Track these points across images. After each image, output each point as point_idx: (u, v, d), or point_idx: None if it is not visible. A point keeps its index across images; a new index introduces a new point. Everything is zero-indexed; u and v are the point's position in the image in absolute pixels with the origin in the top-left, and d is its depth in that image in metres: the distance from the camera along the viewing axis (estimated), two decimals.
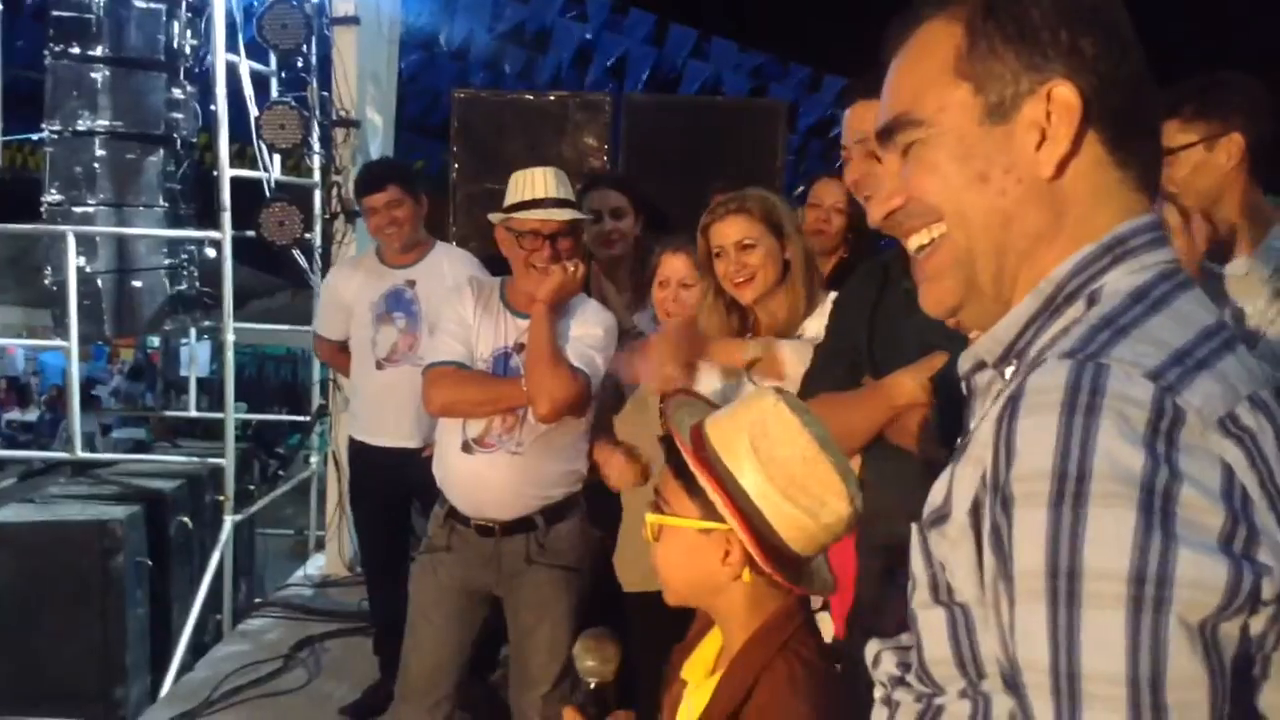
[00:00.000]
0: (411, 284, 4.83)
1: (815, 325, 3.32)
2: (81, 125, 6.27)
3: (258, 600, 6.66)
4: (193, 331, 7.33)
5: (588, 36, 12.81)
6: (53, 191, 6.29)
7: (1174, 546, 0.99)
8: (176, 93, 6.60)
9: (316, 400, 6.82)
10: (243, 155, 6.46)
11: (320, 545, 6.91)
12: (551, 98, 5.68)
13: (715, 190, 3.90)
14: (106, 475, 6.53)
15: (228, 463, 6.30)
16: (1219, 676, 1.00)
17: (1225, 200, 2.98)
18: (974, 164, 1.21)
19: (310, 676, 5.25)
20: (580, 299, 3.75)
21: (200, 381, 7.81)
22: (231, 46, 6.13)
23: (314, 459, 7.16)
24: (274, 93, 6.47)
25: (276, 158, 6.41)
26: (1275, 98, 2.94)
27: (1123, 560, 0.99)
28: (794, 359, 3.17)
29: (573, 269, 3.57)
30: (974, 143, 1.20)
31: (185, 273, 6.85)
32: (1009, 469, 1.06)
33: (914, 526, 1.26)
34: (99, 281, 6.34)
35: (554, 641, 3.69)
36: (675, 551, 1.86)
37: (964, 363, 1.31)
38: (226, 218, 6.15)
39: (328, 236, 6.41)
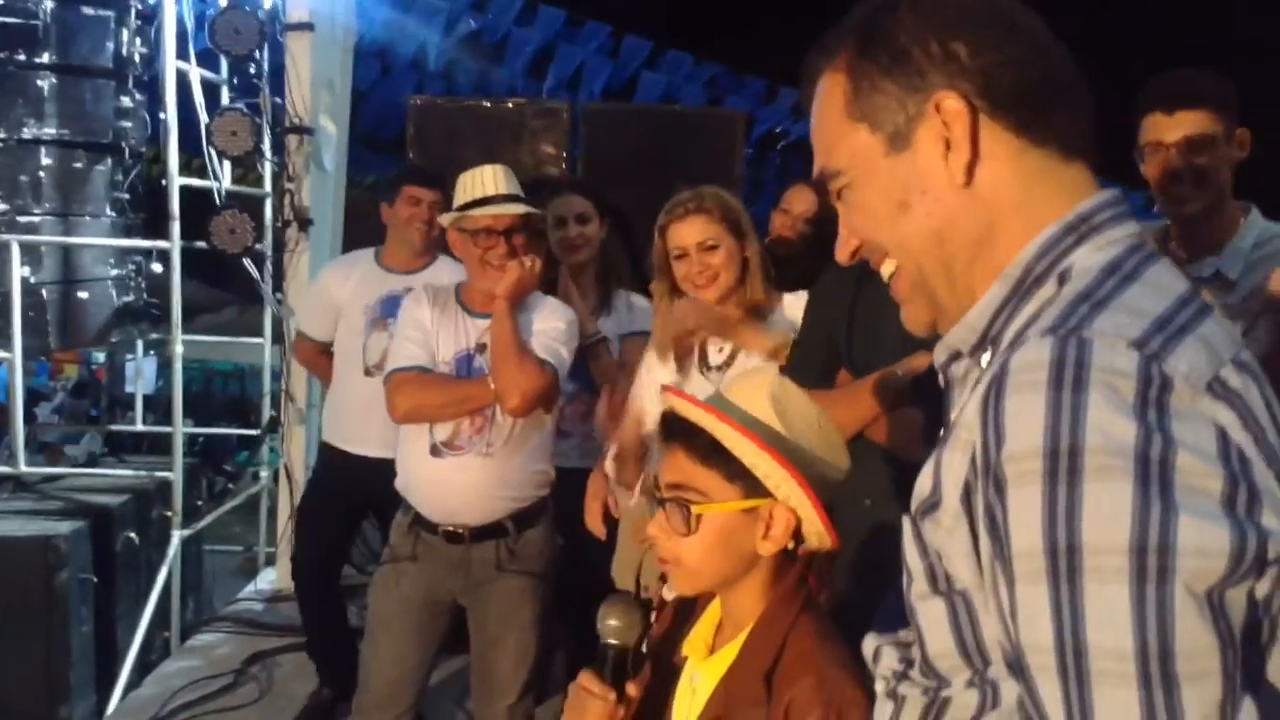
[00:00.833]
0: (410, 292, 4.72)
1: (781, 322, 3.31)
2: (27, 133, 6.13)
3: (207, 616, 6.52)
4: (139, 345, 7.19)
5: (542, 46, 12.79)
6: None
7: (1174, 514, 0.97)
8: (125, 101, 6.48)
9: (267, 413, 6.70)
10: (190, 167, 6.34)
11: (271, 561, 6.78)
12: (509, 105, 5.64)
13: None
14: (50, 490, 6.36)
15: (175, 477, 6.16)
16: (1229, 644, 0.98)
17: (1227, 195, 3.00)
18: (893, 196, 1.25)
19: (262, 692, 5.15)
20: (538, 296, 3.71)
21: (146, 398, 7.64)
22: (182, 54, 6.02)
23: (264, 474, 7.05)
24: (225, 101, 6.35)
25: (227, 166, 6.31)
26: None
27: (1123, 533, 0.97)
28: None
29: (530, 263, 3.53)
30: (887, 176, 1.25)
31: (133, 284, 6.73)
32: (999, 450, 1.04)
33: (905, 519, 1.24)
34: (44, 292, 6.19)
35: (521, 650, 3.64)
36: (713, 541, 1.84)
37: (939, 354, 1.31)
38: (175, 227, 6.02)
39: (279, 245, 6.29)
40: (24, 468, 6.26)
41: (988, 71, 1.19)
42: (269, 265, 6.33)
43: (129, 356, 8.20)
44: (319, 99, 6.18)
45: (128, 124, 6.49)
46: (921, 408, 2.61)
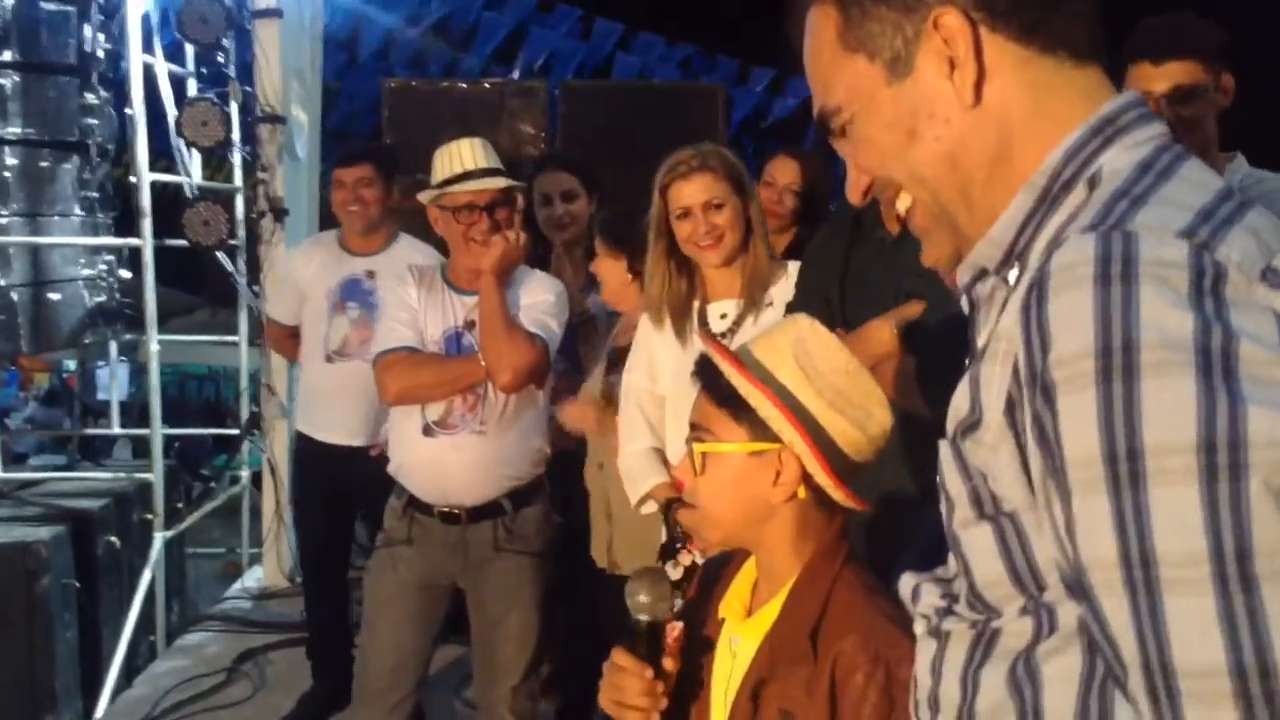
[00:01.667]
0: (371, 274, 4.63)
1: (781, 293, 3.22)
2: None
3: (194, 617, 6.40)
4: (113, 348, 7.06)
5: (513, 31, 12.64)
6: None
7: (1243, 406, 0.90)
8: (90, 98, 6.33)
9: (247, 410, 6.60)
10: (158, 167, 6.20)
11: (256, 561, 6.68)
12: (486, 85, 5.58)
13: None
14: (29, 496, 6.23)
15: (156, 478, 6.02)
16: None
17: (1213, 143, 2.94)
18: (900, 125, 1.18)
19: (255, 689, 5.05)
20: (524, 270, 3.63)
21: (120, 405, 7.50)
22: (147, 48, 5.90)
23: (244, 474, 6.93)
24: (193, 94, 6.24)
25: (197, 160, 6.19)
26: None
27: (1188, 430, 0.90)
28: None
29: (514, 237, 3.44)
30: (889, 105, 1.18)
31: (105, 284, 6.58)
32: (1045, 355, 0.97)
33: (942, 444, 1.17)
34: (14, 295, 6.06)
35: (523, 631, 3.56)
36: (722, 482, 1.78)
37: (963, 274, 1.23)
38: (147, 224, 5.89)
39: (254, 237, 6.18)
40: (1, 474, 6.14)
41: None
42: (243, 259, 6.23)
43: (100, 364, 8.07)
44: (290, 87, 6.07)
45: (94, 121, 6.34)
46: (914, 357, 2.57)
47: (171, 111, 5.97)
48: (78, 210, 6.35)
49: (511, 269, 3.51)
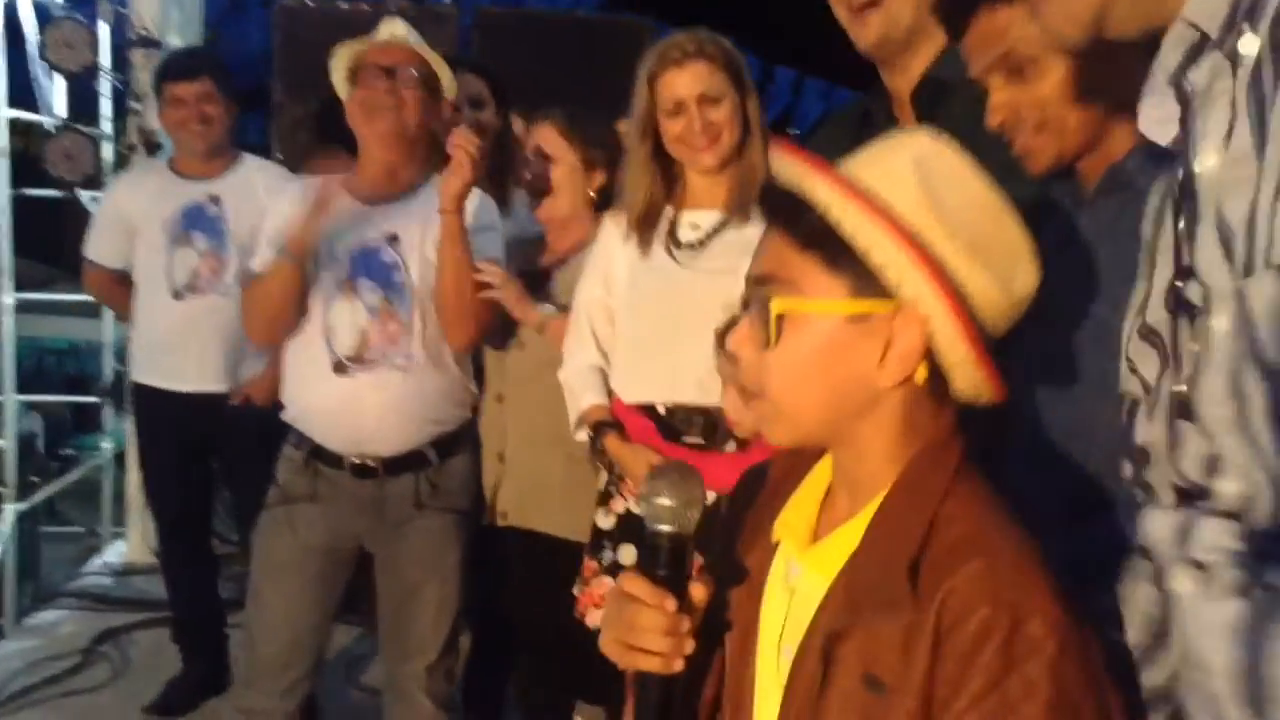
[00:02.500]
0: (216, 199, 4.08)
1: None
2: None
3: (48, 593, 5.79)
4: None
5: None
6: None
7: None
8: None
9: (111, 372, 5.97)
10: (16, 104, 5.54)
11: (119, 538, 6.08)
12: (390, 8, 5.02)
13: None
14: None
15: (8, 445, 5.44)
16: None
17: None
18: None
19: (116, 673, 4.51)
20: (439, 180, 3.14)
21: None
22: None
23: (105, 445, 6.31)
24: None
25: (62, 90, 5.56)
26: None
27: None
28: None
29: (470, 147, 2.88)
30: None
31: None
32: None
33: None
34: None
35: (443, 600, 3.09)
36: (808, 356, 1.25)
37: (1170, 56, 0.87)
38: (3, 165, 5.27)
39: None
40: None
41: None
42: None
43: None
44: (168, 11, 5.48)
45: None
46: None
47: (33, 36, 5.34)
48: None
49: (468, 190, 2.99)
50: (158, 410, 4.24)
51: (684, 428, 2.71)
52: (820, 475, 1.39)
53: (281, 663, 3.09)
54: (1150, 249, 1.13)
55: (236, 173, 4.15)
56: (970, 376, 1.23)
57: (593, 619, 2.81)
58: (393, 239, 3.00)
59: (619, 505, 2.85)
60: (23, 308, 5.75)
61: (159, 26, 5.42)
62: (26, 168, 5.50)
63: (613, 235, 2.87)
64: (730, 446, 2.67)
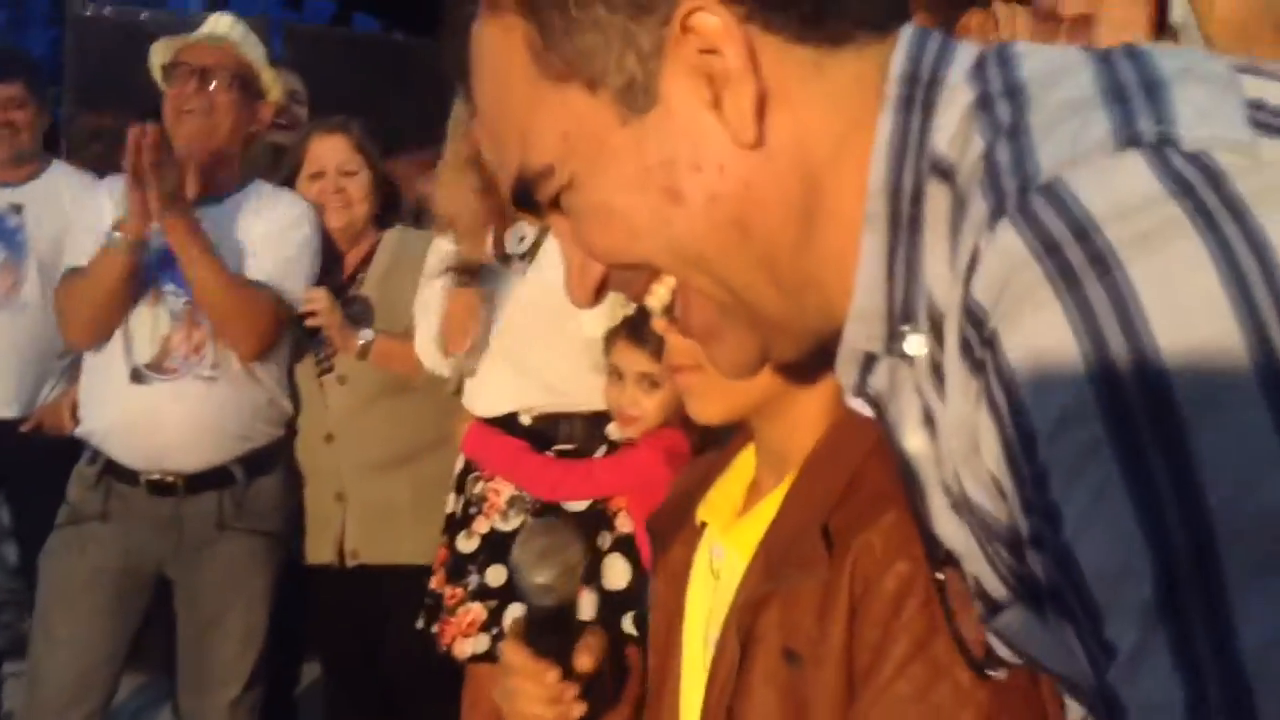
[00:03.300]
0: (18, 208, 3.84)
1: None
2: None
3: None
4: None
5: None
6: None
7: None
8: None
9: None
10: None
11: None
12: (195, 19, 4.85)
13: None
14: None
15: None
16: None
17: None
18: (652, 182, 0.78)
19: None
20: (256, 185, 3.04)
21: None
22: None
23: None
24: None
25: None
26: None
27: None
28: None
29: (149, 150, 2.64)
30: (631, 153, 0.78)
31: None
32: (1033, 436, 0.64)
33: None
34: None
35: (248, 630, 2.95)
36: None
37: (844, 375, 0.87)
38: None
39: None
40: None
41: None
42: None
43: None
44: None
45: None
46: None
47: None
48: None
49: (216, 189, 2.88)
50: None
51: (554, 435, 2.67)
52: (747, 459, 1.32)
53: (71, 696, 2.88)
54: None
55: (44, 180, 3.93)
56: None
57: (460, 649, 2.67)
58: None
59: (482, 525, 2.74)
60: None
61: None
62: None
63: (445, 257, 2.80)
64: (601, 450, 2.64)
